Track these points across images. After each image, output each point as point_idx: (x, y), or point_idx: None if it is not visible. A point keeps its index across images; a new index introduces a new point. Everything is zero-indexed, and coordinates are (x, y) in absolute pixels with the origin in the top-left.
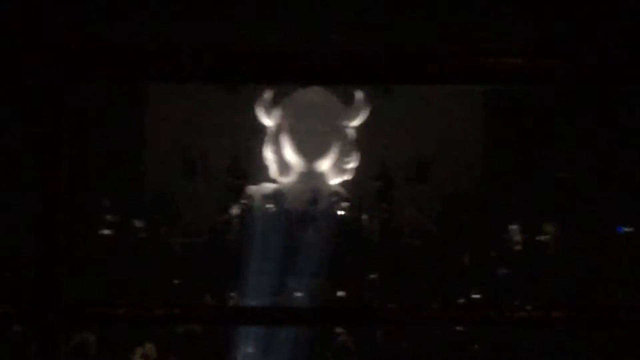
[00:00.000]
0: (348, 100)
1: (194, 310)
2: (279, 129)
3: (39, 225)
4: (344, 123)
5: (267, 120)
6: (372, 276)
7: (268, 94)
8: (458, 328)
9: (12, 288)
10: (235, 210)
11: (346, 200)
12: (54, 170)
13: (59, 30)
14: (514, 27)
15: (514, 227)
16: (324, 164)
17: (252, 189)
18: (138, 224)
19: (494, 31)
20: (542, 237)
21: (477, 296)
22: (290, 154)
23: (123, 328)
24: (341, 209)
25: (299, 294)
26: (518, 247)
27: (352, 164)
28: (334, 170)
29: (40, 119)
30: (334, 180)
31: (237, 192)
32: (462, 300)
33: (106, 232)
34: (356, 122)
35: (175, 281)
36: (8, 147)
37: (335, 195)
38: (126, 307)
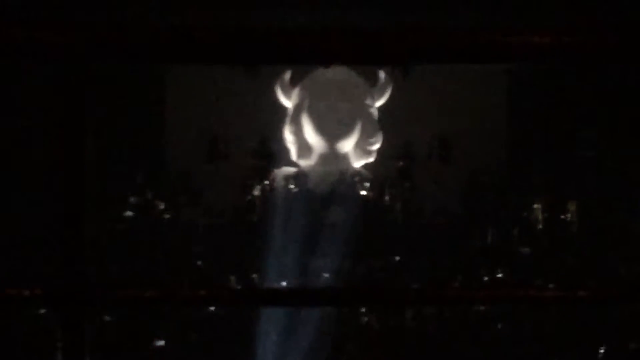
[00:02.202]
0: (371, 80)
1: (219, 291)
2: (299, 110)
3: (64, 208)
4: (367, 103)
5: (287, 102)
6: (395, 256)
7: (287, 75)
8: (482, 307)
9: (39, 271)
10: (257, 192)
11: (368, 180)
12: (78, 154)
13: (79, 9)
14: (538, 4)
15: (536, 206)
16: (347, 146)
17: (274, 170)
18: (161, 205)
19: (520, 9)
20: (565, 216)
21: (500, 275)
22: (311, 136)
23: (148, 310)
24: (363, 190)
25: (321, 275)
26: (541, 226)
27: (375, 145)
28: (356, 152)
29: (62, 101)
30: (357, 162)
31: (261, 173)
32: (485, 279)
33: (129, 214)
34: (379, 102)
35: (199, 262)
36: (31, 129)
37: (358, 176)
38: (152, 289)
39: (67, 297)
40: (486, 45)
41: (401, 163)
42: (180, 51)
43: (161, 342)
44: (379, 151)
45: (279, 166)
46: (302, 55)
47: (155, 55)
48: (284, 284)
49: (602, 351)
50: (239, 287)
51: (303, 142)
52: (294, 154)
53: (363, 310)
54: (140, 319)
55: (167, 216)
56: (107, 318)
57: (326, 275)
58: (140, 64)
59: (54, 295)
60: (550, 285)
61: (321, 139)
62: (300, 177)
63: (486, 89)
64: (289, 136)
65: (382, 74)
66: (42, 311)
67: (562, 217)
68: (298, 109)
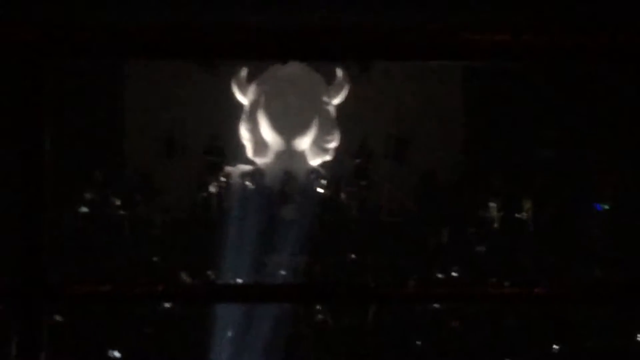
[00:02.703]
0: (328, 77)
1: (176, 287)
2: (255, 107)
3: (20, 204)
4: (324, 100)
5: (243, 99)
6: (351, 253)
7: (243, 71)
8: (438, 305)
9: None
10: (213, 189)
11: (324, 178)
12: (35, 150)
13: (39, 7)
14: (495, 3)
15: (492, 204)
16: (303, 143)
17: (231, 167)
18: (117, 201)
19: (476, 7)
20: (521, 214)
21: (455, 274)
22: (267, 133)
23: (105, 306)
24: (320, 187)
25: (277, 272)
26: (496, 224)
27: (332, 143)
28: (313, 150)
29: (19, 97)
30: (314, 160)
31: (216, 170)
32: (440, 276)
33: (85, 210)
34: (336, 100)
35: (155, 259)
36: None
37: (314, 174)
38: (109, 285)
39: (23, 292)
40: (443, 43)
41: (358, 161)
42: (136, 47)
43: (117, 338)
44: (335, 149)
45: (235, 163)
46: (258, 51)
47: (113, 51)
48: (239, 280)
49: (556, 348)
50: (194, 282)
51: (259, 139)
52: (250, 151)
53: (318, 307)
54: (95, 314)
55: (123, 212)
56: (62, 313)
57: (282, 272)
58: (97, 60)
59: (10, 291)
60: (506, 283)
61: (277, 136)
62: (256, 174)
63: (443, 89)
64: (245, 133)
65: (339, 72)
66: None
67: (518, 215)
68: (254, 106)
